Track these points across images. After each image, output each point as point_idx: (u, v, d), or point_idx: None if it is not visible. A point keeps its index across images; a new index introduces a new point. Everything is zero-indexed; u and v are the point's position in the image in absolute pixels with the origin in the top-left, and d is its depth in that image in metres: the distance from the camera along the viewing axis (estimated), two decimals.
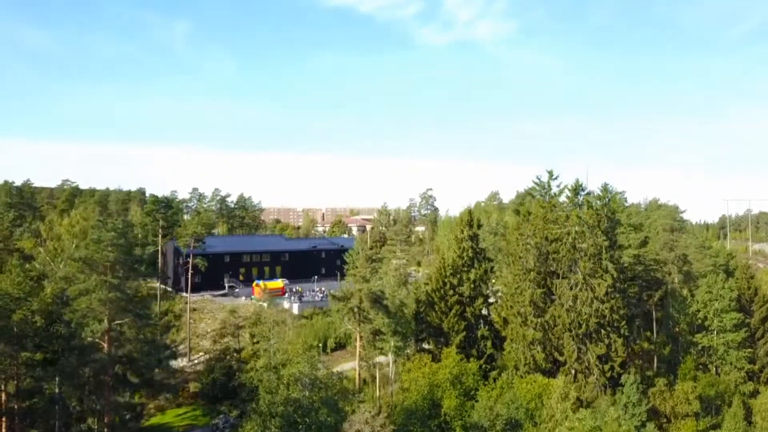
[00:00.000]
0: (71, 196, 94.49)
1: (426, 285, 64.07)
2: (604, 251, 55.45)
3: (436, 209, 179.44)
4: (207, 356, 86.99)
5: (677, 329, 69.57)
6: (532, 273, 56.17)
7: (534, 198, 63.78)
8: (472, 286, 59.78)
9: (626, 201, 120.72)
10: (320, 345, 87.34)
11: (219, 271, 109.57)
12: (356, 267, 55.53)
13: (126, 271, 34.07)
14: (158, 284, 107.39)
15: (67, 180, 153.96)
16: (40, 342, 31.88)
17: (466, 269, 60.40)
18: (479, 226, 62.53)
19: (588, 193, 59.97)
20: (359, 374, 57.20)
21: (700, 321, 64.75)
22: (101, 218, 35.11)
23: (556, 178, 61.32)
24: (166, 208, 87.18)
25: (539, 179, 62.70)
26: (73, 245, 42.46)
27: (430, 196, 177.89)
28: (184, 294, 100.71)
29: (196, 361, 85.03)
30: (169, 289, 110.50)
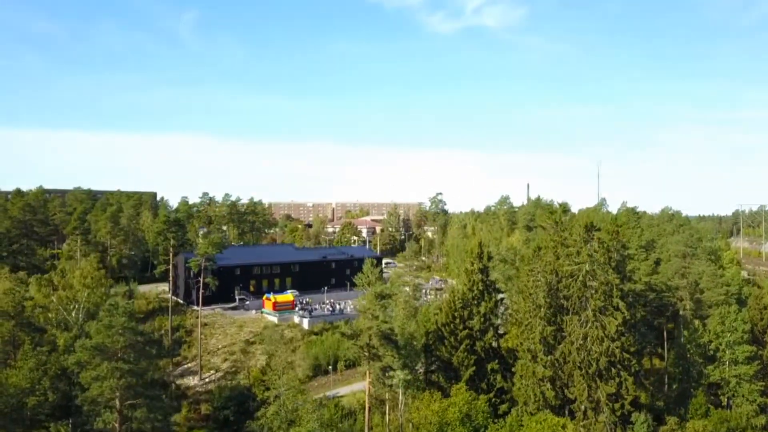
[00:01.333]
0: (83, 214, 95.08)
1: (436, 315, 63.97)
2: (614, 289, 55.08)
3: (446, 213, 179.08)
4: (218, 374, 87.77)
5: (688, 356, 69.09)
6: (542, 309, 55.89)
7: (545, 230, 63.34)
8: (482, 319, 59.67)
9: (639, 214, 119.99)
10: (330, 365, 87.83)
11: (230, 284, 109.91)
12: (365, 304, 55.51)
13: (137, 354, 34.25)
14: (170, 296, 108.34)
15: (78, 187, 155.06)
16: (53, 412, 32.29)
17: (476, 302, 60.27)
18: (489, 258, 62.21)
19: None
20: (369, 408, 57.31)
21: (711, 352, 64.26)
22: (113, 303, 35.28)
23: (567, 212, 60.84)
24: (177, 227, 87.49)
25: (551, 212, 62.23)
26: (85, 294, 42.75)
27: (440, 200, 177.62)
28: (195, 307, 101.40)
29: (207, 380, 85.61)
30: (180, 300, 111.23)
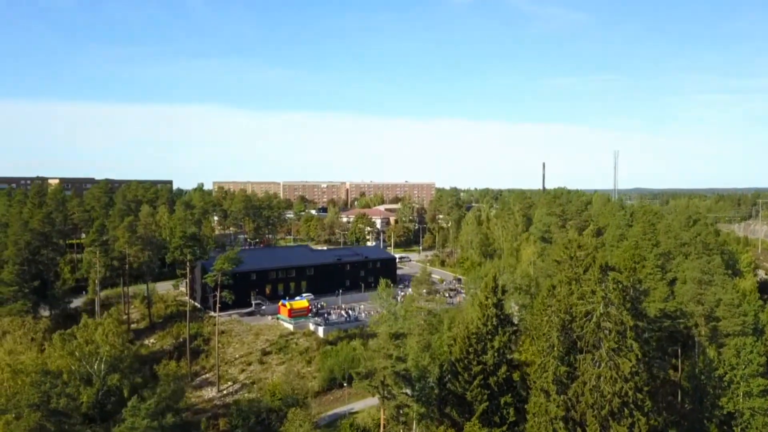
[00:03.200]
0: (102, 227, 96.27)
1: (450, 346, 64.46)
2: (629, 330, 54.96)
3: (460, 207, 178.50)
4: (236, 386, 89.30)
5: (702, 381, 69.24)
6: (555, 349, 56.02)
7: (560, 264, 63.00)
8: (496, 354, 59.99)
9: (656, 216, 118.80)
10: (344, 379, 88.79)
11: (246, 289, 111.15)
12: (379, 343, 56.13)
13: None
14: (187, 299, 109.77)
15: (92, 178, 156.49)
16: None
17: (489, 337, 60.53)
18: (504, 292, 62.25)
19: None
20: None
21: (726, 383, 64.27)
22: (135, 404, 36.02)
23: (582, 247, 60.49)
24: (194, 241, 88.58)
25: (566, 247, 61.87)
26: (107, 348, 43.72)
27: (455, 196, 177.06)
28: (212, 313, 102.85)
29: (225, 392, 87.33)
30: (198, 305, 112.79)
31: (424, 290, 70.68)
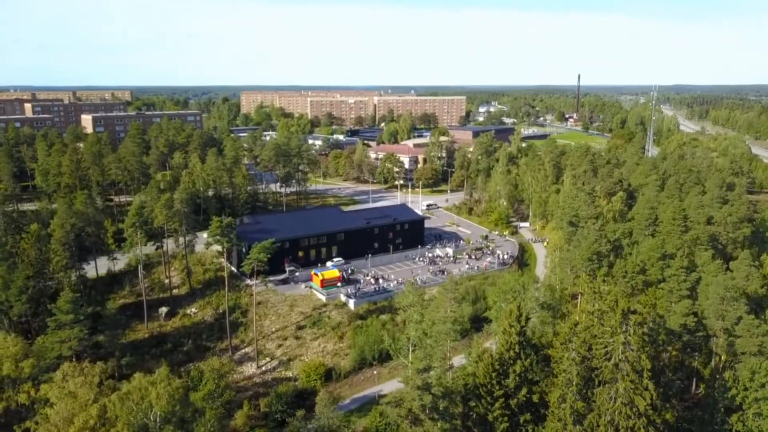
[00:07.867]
0: (140, 208, 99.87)
1: (475, 363, 68.31)
2: (645, 371, 57.65)
3: (489, 155, 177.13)
4: (274, 362, 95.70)
5: (715, 394, 72.47)
6: (574, 384, 59.34)
7: (583, 296, 64.83)
8: (518, 378, 63.70)
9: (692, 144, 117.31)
10: (374, 358, 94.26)
11: (279, 256, 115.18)
12: (407, 374, 60.13)
13: None
14: (225, 262, 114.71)
15: (124, 106, 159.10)
16: None
17: (512, 362, 63.98)
18: (527, 320, 64.89)
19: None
20: None
21: (738, 402, 67.26)
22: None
23: (605, 280, 62.00)
24: (230, 229, 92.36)
25: (590, 282, 63.45)
26: (163, 403, 48.24)
27: (490, 147, 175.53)
28: (248, 281, 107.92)
29: (264, 369, 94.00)
30: (234, 270, 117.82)
31: (451, 298, 73.67)
